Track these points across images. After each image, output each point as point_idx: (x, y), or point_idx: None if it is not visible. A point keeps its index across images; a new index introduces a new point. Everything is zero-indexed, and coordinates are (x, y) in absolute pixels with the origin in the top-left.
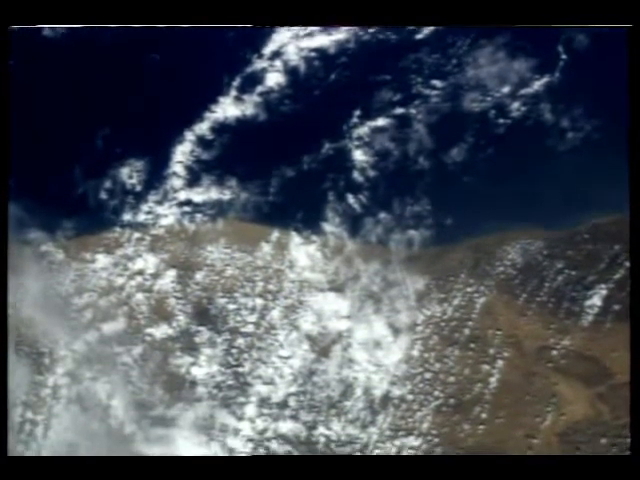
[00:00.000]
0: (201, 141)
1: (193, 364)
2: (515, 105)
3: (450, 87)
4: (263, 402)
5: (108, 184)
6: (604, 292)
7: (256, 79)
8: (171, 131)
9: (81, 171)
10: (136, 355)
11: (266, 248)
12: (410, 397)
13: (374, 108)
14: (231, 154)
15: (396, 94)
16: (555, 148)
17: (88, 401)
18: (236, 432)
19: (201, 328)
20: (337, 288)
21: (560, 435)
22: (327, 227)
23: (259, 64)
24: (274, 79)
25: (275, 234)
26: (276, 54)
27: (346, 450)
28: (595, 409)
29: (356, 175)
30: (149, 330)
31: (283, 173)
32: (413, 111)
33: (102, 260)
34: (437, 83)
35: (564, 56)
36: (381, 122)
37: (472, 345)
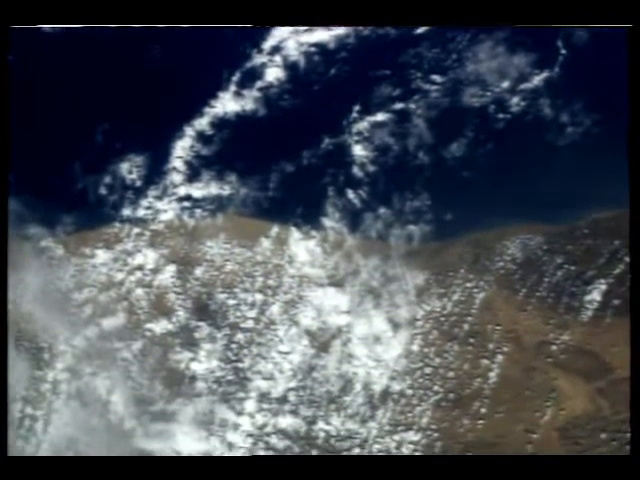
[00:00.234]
0: (201, 136)
1: (193, 359)
2: (515, 100)
3: (450, 82)
4: (263, 397)
5: (108, 179)
6: (604, 287)
7: (256, 74)
8: (171, 126)
9: (81, 166)
10: (136, 350)
11: (266, 243)
12: (410, 392)
13: (374, 103)
14: (231, 149)
15: (396, 89)
16: (554, 143)
17: (88, 396)
18: (236, 427)
19: (201, 323)
20: (337, 283)
21: (560, 430)
22: (327, 222)
23: (259, 59)
24: (274, 74)
25: (275, 229)
26: (276, 49)
27: (346, 445)
28: (595, 404)
29: (356, 170)
30: (149, 325)
31: (283, 168)
32: (413, 106)
33: (102, 255)
34: (437, 78)
35: (563, 51)
36: (381, 117)
37: (472, 340)
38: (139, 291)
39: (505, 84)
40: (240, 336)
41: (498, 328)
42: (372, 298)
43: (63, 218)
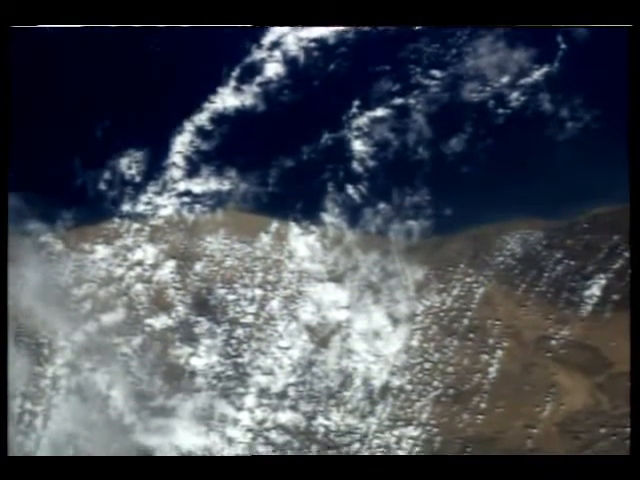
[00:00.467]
0: (200, 132)
1: (192, 355)
2: (514, 95)
3: (449, 77)
4: (262, 392)
5: (107, 175)
6: (603, 282)
7: (255, 70)
8: (170, 122)
9: (80, 162)
10: (135, 346)
11: (265, 239)
12: (409, 387)
13: (373, 98)
14: (230, 145)
15: (395, 84)
16: (554, 138)
17: (88, 392)
18: (235, 422)
19: (200, 319)
20: (336, 278)
21: (559, 425)
22: (326, 217)
23: (258, 54)
24: (273, 69)
25: (274, 224)
26: (275, 44)
27: (345, 440)
28: (594, 399)
29: (355, 165)
30: (148, 321)
31: (282, 163)
32: (412, 101)
33: (101, 251)
34: (436, 73)
35: (563, 46)
36: (380, 112)
37: (471, 335)
38: (139, 286)
39: (505, 79)
40: (240, 331)
41: (498, 323)
42: (372, 293)
43: (63, 213)
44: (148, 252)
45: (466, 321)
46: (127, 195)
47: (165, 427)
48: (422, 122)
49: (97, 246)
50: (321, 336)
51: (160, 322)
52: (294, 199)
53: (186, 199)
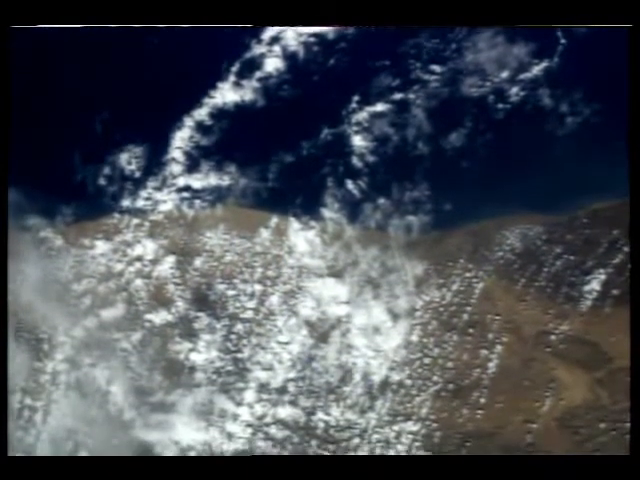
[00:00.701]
0: (200, 127)
1: (192, 350)
2: (514, 90)
3: (449, 72)
4: (262, 388)
5: (107, 170)
6: (603, 277)
7: (255, 65)
8: (170, 117)
9: (80, 157)
10: (135, 341)
11: (265, 234)
12: (409, 382)
13: (373, 93)
14: (230, 140)
15: (395, 79)
16: (554, 133)
17: (87, 387)
18: (235, 417)
19: (200, 314)
20: (336, 274)
21: (559, 420)
22: (326, 213)
23: (258, 49)
24: (273, 64)
25: (274, 220)
26: (275, 39)
27: (345, 435)
28: (594, 394)
29: (355, 160)
30: (148, 316)
31: (282, 159)
32: (412, 96)
33: (101, 246)
34: (436, 68)
35: (563, 41)
36: (380, 107)
37: (471, 330)
38: (138, 282)
39: (504, 74)
40: (239, 327)
41: (497, 318)
42: (371, 288)
43: (62, 209)
44: (148, 247)
45: (466, 316)
46: (127, 190)
47: (165, 422)
48: (422, 117)
49: (97, 241)
50: (321, 331)
51: (160, 317)
52: (294, 194)
53: (186, 194)
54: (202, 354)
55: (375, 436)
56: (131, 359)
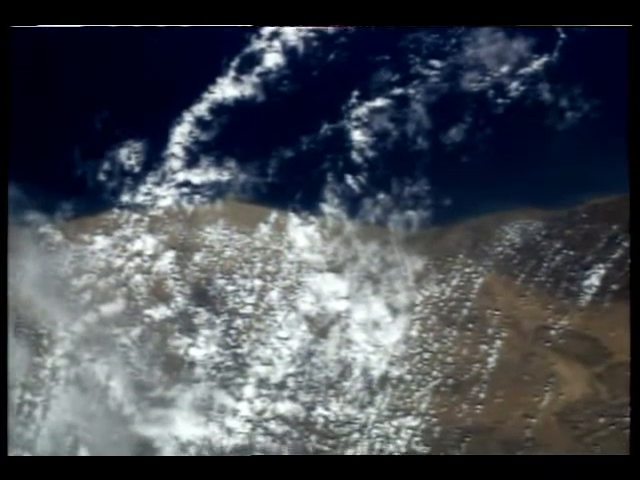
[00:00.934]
0: (199, 122)
1: (192, 345)
2: (514, 85)
3: (449, 67)
4: (262, 383)
5: (107, 165)
6: (602, 272)
7: (254, 60)
8: (169, 112)
9: (80, 153)
10: (135, 336)
11: (264, 229)
12: (408, 377)
13: (373, 88)
14: (229, 135)
15: (395, 74)
16: (554, 128)
17: (87, 382)
18: (234, 413)
19: (200, 309)
20: (336, 269)
21: (558, 415)
22: (326, 208)
23: (257, 44)
24: (273, 60)
25: (274, 215)
26: (275, 34)
27: (345, 430)
28: (593, 388)
29: (355, 156)
30: (148, 311)
31: (281, 154)
32: (412, 91)
33: (101, 241)
34: (436, 63)
35: (563, 35)
36: (380, 102)
37: (470, 325)
38: (138, 277)
39: (504, 69)
40: (239, 322)
41: (497, 313)
42: (371, 284)
43: (62, 204)
44: (147, 243)
45: (465, 311)
46: (126, 186)
47: (164, 417)
48: (421, 112)
49: (96, 237)
50: (320, 326)
51: (159, 313)
52: (293, 189)
53: (185, 190)
54: (202, 349)
55: (375, 431)
56: (131, 354)
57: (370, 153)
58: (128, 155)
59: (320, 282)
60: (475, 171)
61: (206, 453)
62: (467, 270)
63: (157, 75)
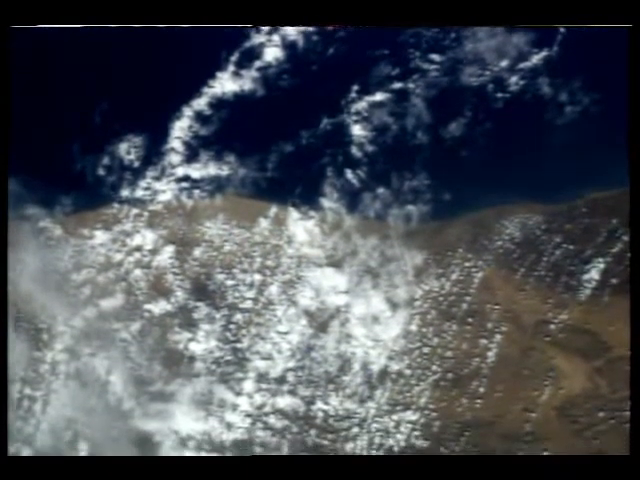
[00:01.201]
0: (199, 117)
1: (191, 340)
2: (513, 79)
3: (448, 61)
4: (261, 377)
5: (106, 160)
6: (602, 266)
7: (254, 54)
8: (169, 107)
9: (79, 147)
10: (134, 331)
11: (264, 224)
12: (408, 372)
13: (372, 83)
14: (229, 130)
15: (394, 69)
16: (553, 122)
17: (87, 377)
18: (234, 407)
19: (199, 304)
20: (335, 263)
21: (558, 409)
22: (325, 202)
23: (257, 39)
24: (272, 54)
25: (273, 210)
26: (274, 29)
27: (344, 424)
28: (593, 382)
29: (354, 150)
30: (147, 306)
31: (281, 148)
32: (411, 85)
33: (100, 236)
34: (435, 57)
35: (562, 30)
36: (379, 97)
37: (470, 320)
38: (138, 272)
39: (504, 63)
40: (239, 316)
41: (497, 308)
42: (370, 278)
43: (62, 199)
44: (147, 237)
45: (465, 305)
46: (126, 180)
47: (164, 412)
48: (421, 106)
49: (96, 231)
50: (320, 321)
51: (159, 307)
52: (293, 184)
53: (185, 184)
54: (201, 344)
55: (374, 425)
56: (130, 349)
57: (370, 147)
58: (128, 150)
59: (320, 277)
60: (475, 165)
61: (206, 447)
62: (467, 264)
63: (157, 70)
